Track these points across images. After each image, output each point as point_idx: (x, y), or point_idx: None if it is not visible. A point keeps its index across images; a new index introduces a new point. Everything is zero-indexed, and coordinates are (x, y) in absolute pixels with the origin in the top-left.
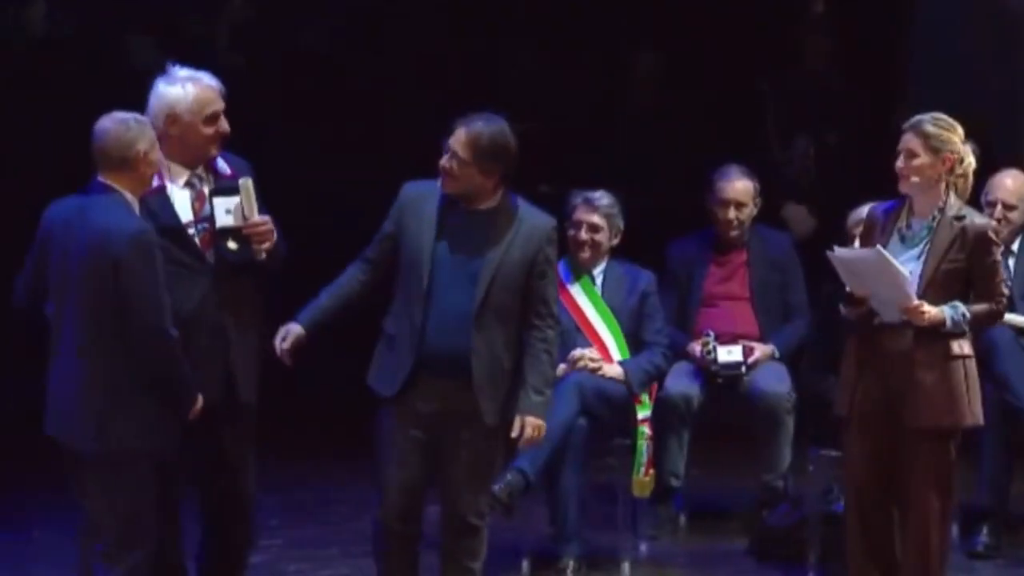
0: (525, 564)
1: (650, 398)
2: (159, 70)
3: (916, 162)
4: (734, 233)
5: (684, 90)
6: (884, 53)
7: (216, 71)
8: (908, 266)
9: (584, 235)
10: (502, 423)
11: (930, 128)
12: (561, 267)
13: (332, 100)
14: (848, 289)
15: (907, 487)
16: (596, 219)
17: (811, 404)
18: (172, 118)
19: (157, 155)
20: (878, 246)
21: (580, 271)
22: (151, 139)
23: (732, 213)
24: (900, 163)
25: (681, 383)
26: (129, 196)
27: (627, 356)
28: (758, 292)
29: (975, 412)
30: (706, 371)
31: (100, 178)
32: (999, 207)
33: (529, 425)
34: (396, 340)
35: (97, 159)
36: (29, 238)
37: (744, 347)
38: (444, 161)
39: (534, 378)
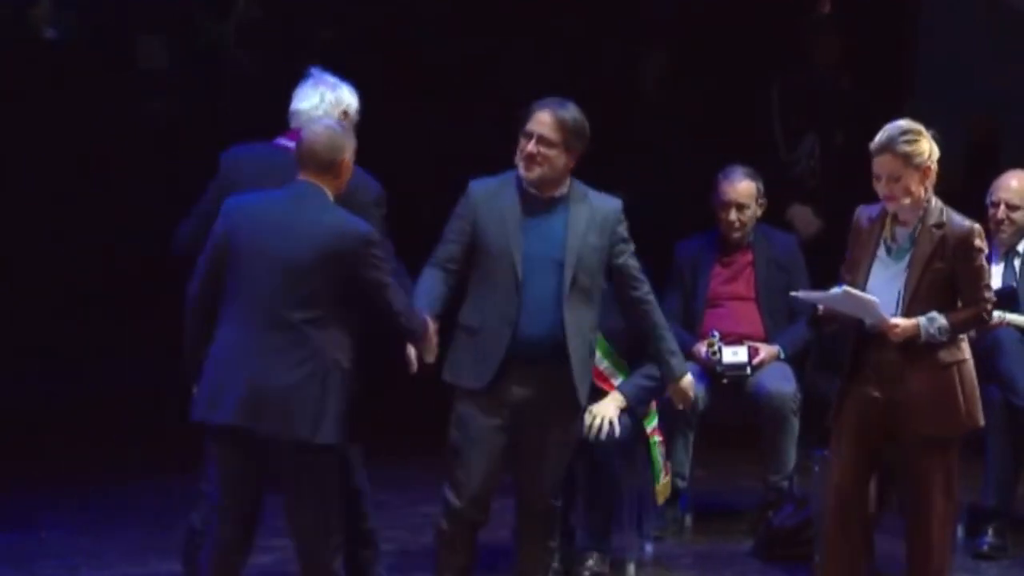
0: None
1: (656, 405)
2: (165, 69)
3: (903, 184)
4: (736, 234)
5: (691, 90)
6: (891, 53)
7: (223, 70)
8: (897, 279)
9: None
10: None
11: (906, 148)
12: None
13: None
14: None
15: (913, 494)
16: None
17: (816, 405)
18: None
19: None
20: (844, 287)
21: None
22: (353, 147)
23: (734, 214)
24: (884, 188)
25: None
26: (331, 198)
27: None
28: (763, 293)
29: (974, 416)
30: (711, 372)
31: (303, 177)
32: (1002, 207)
33: (689, 387)
34: (482, 332)
35: (303, 160)
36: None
37: (749, 348)
38: (530, 147)
39: (666, 342)
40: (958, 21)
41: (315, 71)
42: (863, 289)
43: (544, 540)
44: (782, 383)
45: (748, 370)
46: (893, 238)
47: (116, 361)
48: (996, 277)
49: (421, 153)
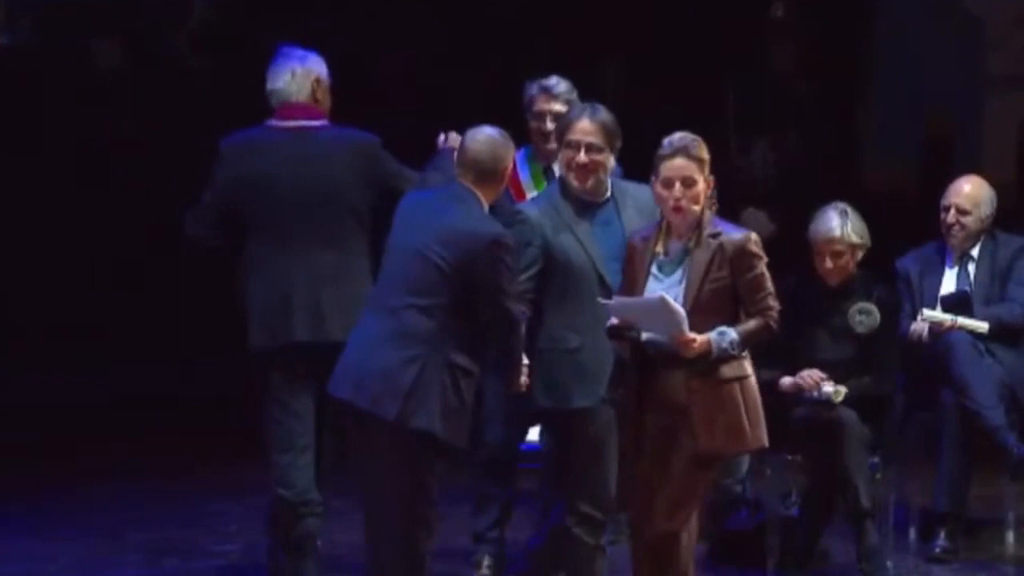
0: None
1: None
2: (122, 73)
3: (696, 189)
4: None
5: (647, 93)
6: (845, 58)
7: (181, 74)
8: (671, 292)
9: (549, 126)
10: None
11: (702, 152)
12: (521, 163)
13: None
14: (615, 322)
15: (651, 517)
16: (558, 107)
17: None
18: None
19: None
20: (662, 294)
21: (539, 169)
22: (513, 156)
23: None
24: (678, 193)
25: None
26: (484, 202)
27: None
28: None
29: (758, 436)
30: None
31: (462, 181)
32: (953, 211)
33: None
34: (583, 350)
35: (466, 166)
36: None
37: None
38: (581, 157)
39: None
40: (917, 25)
41: (283, 48)
42: None
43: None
44: None
45: None
46: (666, 252)
47: (73, 367)
48: (950, 281)
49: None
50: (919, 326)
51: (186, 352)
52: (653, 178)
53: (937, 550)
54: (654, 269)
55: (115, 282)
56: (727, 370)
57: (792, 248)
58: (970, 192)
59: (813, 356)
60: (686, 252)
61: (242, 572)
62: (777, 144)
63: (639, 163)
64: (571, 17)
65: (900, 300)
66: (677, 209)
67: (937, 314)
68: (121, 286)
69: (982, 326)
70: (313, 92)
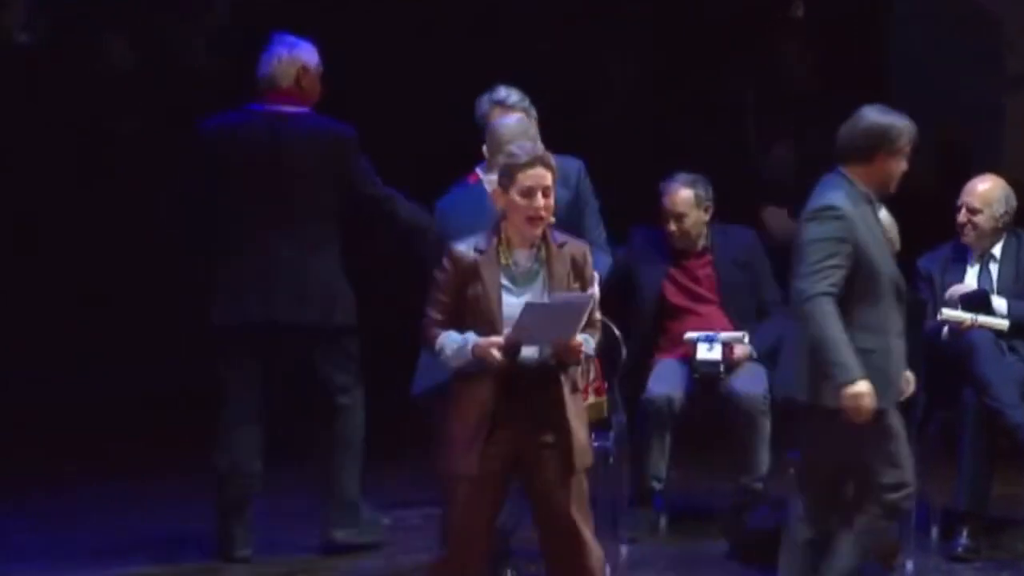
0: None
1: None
2: (137, 73)
3: (552, 200)
4: (678, 245)
5: (664, 95)
6: (863, 57)
7: (193, 75)
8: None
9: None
10: None
11: (553, 163)
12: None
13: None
14: (510, 339)
15: (564, 530)
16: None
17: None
18: None
19: None
20: (591, 290)
21: None
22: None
23: (673, 225)
24: (539, 202)
25: (664, 384)
26: None
27: None
28: (726, 294)
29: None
30: (690, 368)
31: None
32: (964, 210)
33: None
34: (877, 351)
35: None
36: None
37: (724, 346)
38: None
39: None
40: (934, 26)
41: (276, 35)
42: (502, 323)
43: None
44: (753, 384)
45: (721, 368)
46: (515, 263)
47: (73, 367)
48: (971, 280)
49: (386, 157)
50: (940, 325)
51: (186, 351)
52: (499, 188)
53: (959, 549)
54: (505, 282)
55: (115, 280)
56: (580, 381)
57: None
58: (983, 191)
59: None
60: (539, 263)
61: (240, 571)
62: (796, 144)
63: (657, 166)
64: (583, 16)
65: (924, 306)
66: (537, 219)
67: (957, 312)
68: (121, 284)
69: (1002, 323)
70: (298, 79)
